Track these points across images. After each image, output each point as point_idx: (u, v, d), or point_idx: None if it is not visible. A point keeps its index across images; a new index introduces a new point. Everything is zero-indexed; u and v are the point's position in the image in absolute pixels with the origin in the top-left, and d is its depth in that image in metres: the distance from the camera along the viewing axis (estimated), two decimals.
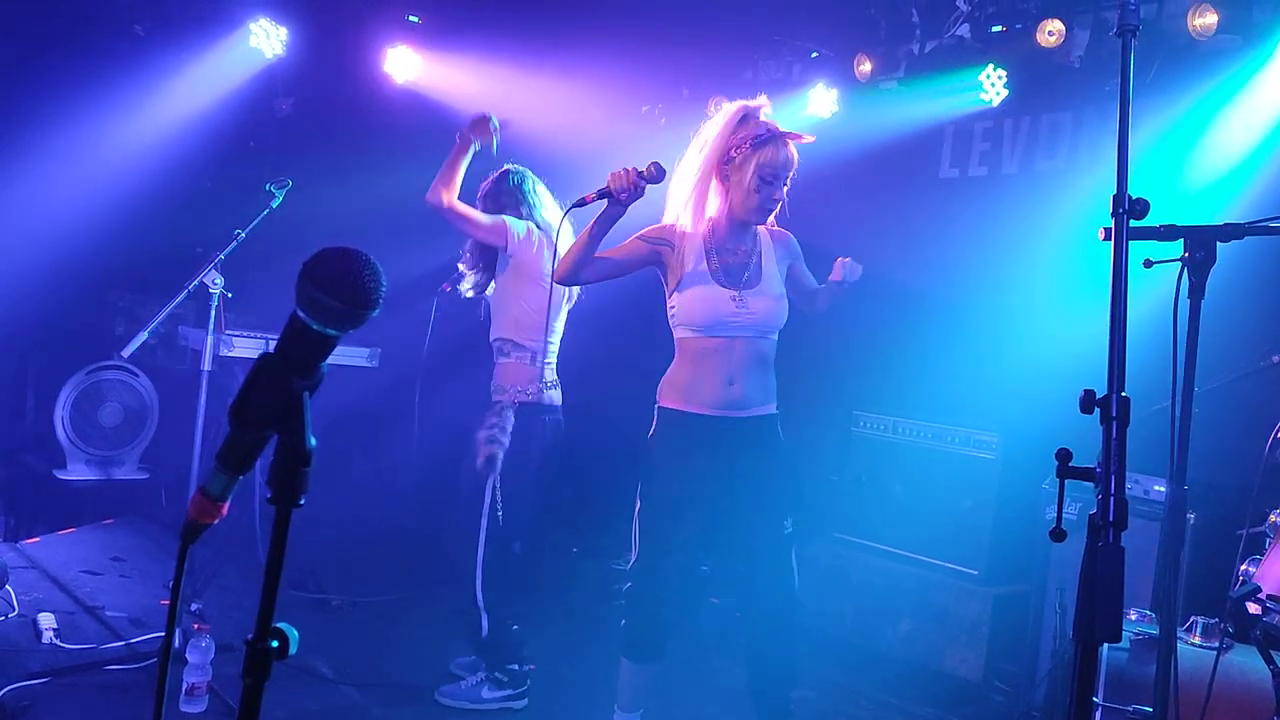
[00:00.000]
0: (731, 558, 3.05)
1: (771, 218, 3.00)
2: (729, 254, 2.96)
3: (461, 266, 3.84)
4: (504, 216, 3.64)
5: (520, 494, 3.59)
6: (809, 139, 2.94)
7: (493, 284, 3.77)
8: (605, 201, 2.79)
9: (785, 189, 2.92)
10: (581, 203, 2.87)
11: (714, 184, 2.97)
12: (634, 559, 3.03)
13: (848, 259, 2.98)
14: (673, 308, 2.98)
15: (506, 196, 3.72)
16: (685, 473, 2.94)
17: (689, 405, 2.94)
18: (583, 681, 3.99)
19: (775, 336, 3.01)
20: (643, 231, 3.01)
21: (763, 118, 2.92)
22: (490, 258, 3.73)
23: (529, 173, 3.81)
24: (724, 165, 2.92)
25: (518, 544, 3.69)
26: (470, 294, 3.85)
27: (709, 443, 2.92)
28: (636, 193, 2.75)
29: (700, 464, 2.93)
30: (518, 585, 3.78)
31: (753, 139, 2.87)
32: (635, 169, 2.74)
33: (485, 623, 3.57)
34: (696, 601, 3.40)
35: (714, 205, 2.98)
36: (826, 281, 3.04)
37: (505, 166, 3.81)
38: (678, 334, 3.00)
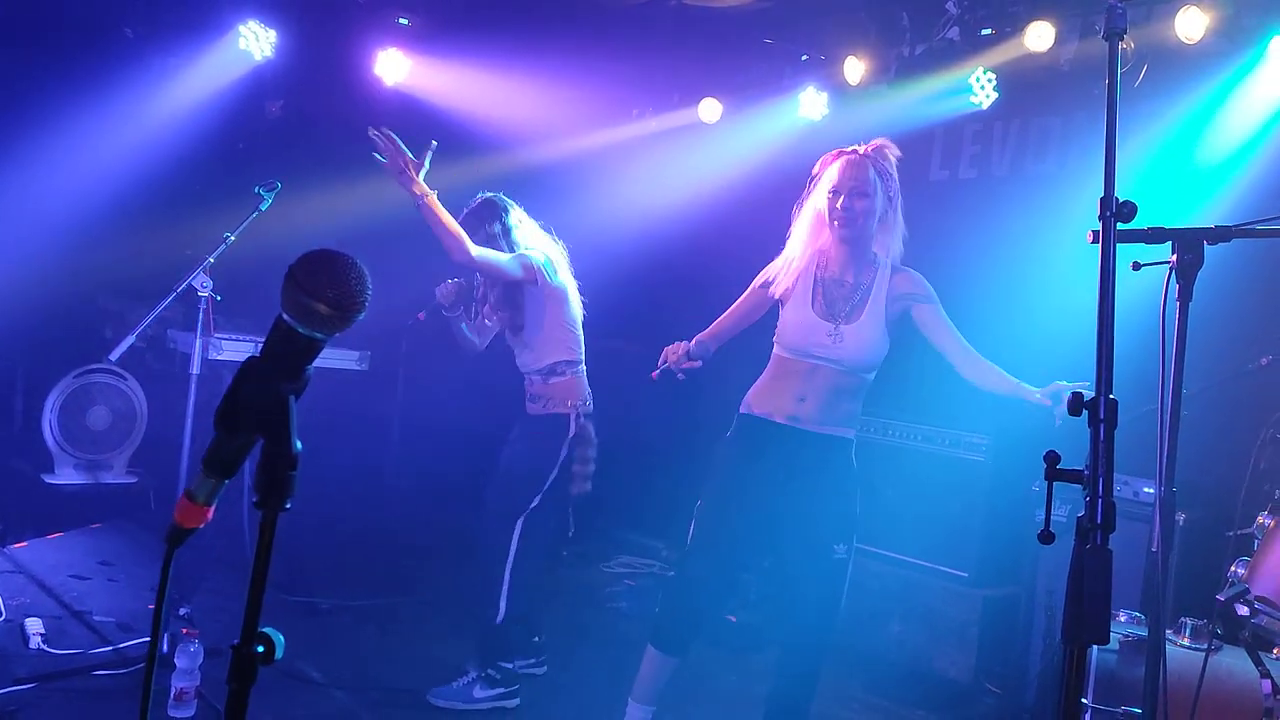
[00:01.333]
0: (776, 568, 3.09)
1: (895, 254, 3.02)
2: (835, 285, 3.00)
3: (446, 288, 3.82)
4: (525, 252, 3.67)
5: (567, 497, 3.75)
6: (879, 142, 2.99)
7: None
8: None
9: (864, 202, 2.92)
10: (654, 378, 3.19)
11: (815, 215, 3.02)
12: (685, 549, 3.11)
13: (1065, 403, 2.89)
14: (777, 325, 3.07)
15: (500, 239, 3.71)
16: (743, 474, 3.02)
17: (760, 410, 3.03)
18: (573, 685, 3.98)
19: (870, 375, 3.01)
20: (758, 279, 3.14)
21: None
22: (518, 296, 3.74)
23: (510, 203, 3.80)
24: (814, 194, 3.01)
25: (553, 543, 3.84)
26: (499, 330, 3.91)
27: (770, 448, 2.99)
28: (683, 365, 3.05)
29: (759, 468, 2.99)
30: (542, 584, 3.91)
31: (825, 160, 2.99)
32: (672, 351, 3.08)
33: (503, 608, 3.59)
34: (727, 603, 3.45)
35: (823, 236, 3.03)
36: (1041, 392, 2.78)
37: (486, 196, 3.79)
38: (775, 349, 3.08)
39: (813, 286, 3.00)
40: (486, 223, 3.72)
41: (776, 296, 3.06)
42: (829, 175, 2.96)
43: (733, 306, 3.18)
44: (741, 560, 3.06)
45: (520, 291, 3.72)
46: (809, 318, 2.97)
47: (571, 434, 3.68)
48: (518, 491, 3.65)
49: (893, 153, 3.02)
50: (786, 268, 3.05)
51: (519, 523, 3.62)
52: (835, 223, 2.94)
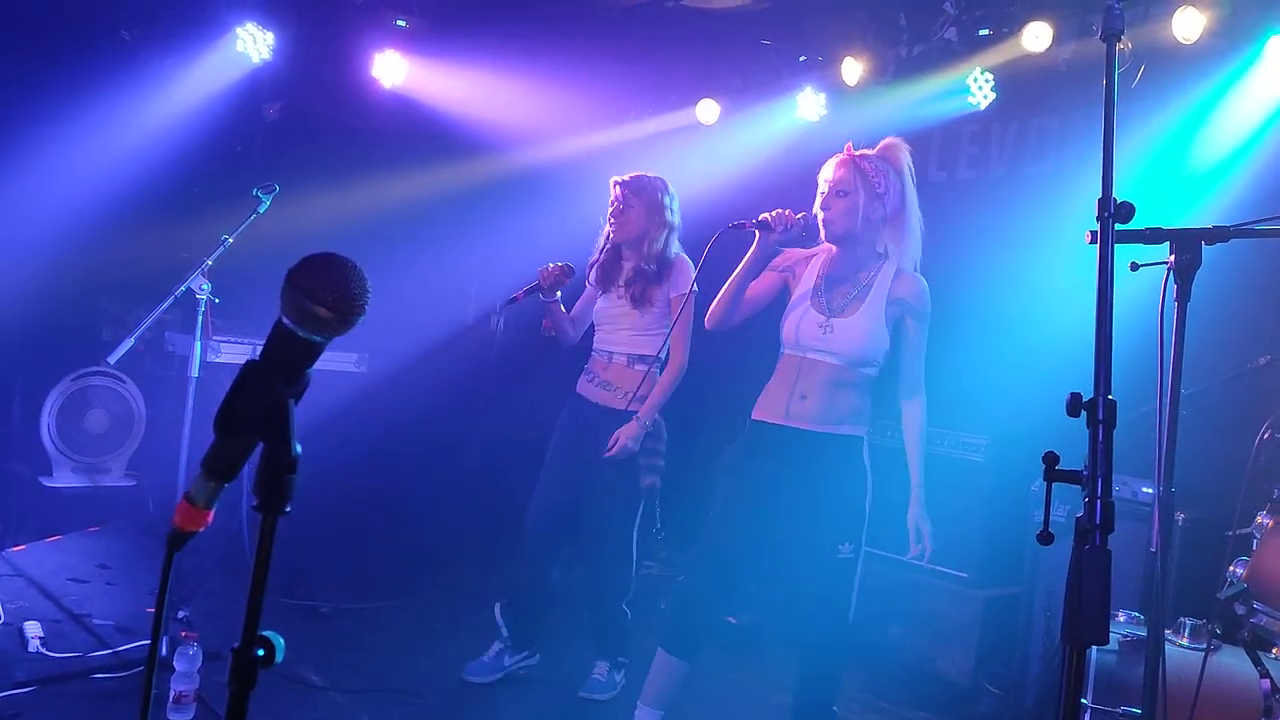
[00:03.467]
0: (778, 570, 3.07)
1: (909, 251, 3.05)
2: (836, 281, 3.04)
3: (549, 269, 3.79)
4: (681, 257, 3.76)
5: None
6: (887, 142, 3.09)
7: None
8: (757, 234, 2.98)
9: (842, 201, 2.97)
10: (740, 226, 3.03)
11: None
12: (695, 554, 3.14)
13: (922, 549, 3.10)
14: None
15: (675, 228, 3.79)
16: (746, 478, 3.04)
17: (762, 413, 3.06)
18: (572, 682, 3.97)
19: (869, 370, 2.99)
20: (772, 262, 3.14)
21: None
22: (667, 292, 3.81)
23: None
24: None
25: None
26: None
27: (771, 451, 3.00)
28: (793, 231, 2.95)
29: (761, 471, 3.00)
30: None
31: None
32: (793, 213, 2.95)
33: (628, 610, 3.84)
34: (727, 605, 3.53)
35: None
36: (912, 506, 3.12)
37: (655, 177, 3.80)
38: (781, 348, 3.10)
39: (815, 282, 3.05)
40: (667, 206, 3.77)
41: (792, 291, 3.09)
42: (821, 177, 3.04)
43: (752, 283, 3.11)
44: (750, 563, 3.06)
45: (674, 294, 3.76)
46: (806, 311, 3.00)
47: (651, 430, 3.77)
48: (640, 496, 3.77)
49: (899, 152, 3.06)
50: (802, 259, 3.12)
51: (634, 547, 3.80)
52: (820, 222, 3.01)
